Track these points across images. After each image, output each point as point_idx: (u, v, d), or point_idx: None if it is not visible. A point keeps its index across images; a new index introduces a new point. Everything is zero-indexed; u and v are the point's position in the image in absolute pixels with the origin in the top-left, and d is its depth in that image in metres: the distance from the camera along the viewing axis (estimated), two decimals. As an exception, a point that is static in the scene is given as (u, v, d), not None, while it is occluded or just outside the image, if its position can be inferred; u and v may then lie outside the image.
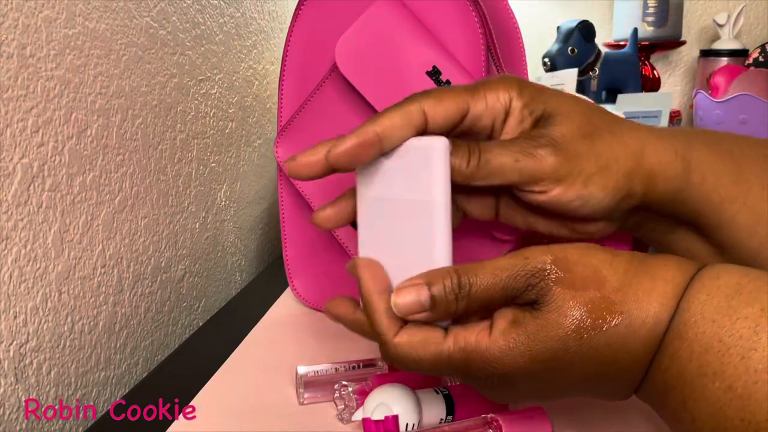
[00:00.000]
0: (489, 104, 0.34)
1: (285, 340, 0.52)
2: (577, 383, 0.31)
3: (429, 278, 0.31)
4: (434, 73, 0.46)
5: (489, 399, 0.34)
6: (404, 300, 0.31)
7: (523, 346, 0.29)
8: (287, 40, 0.53)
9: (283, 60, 0.54)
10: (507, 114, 0.34)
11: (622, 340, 0.29)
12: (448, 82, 0.46)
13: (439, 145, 0.32)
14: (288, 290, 0.61)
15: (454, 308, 0.31)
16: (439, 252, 0.32)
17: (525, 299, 0.30)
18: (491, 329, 0.30)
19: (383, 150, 0.33)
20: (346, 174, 0.51)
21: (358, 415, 0.39)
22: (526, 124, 0.34)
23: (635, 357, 0.29)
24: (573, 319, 0.29)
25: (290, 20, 0.53)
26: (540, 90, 0.35)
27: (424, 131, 0.33)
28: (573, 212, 0.35)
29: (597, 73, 1.07)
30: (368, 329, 0.33)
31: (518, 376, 0.30)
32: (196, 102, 0.64)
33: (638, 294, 0.29)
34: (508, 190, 0.35)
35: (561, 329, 0.29)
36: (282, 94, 0.55)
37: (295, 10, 0.52)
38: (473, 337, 0.30)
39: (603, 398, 0.32)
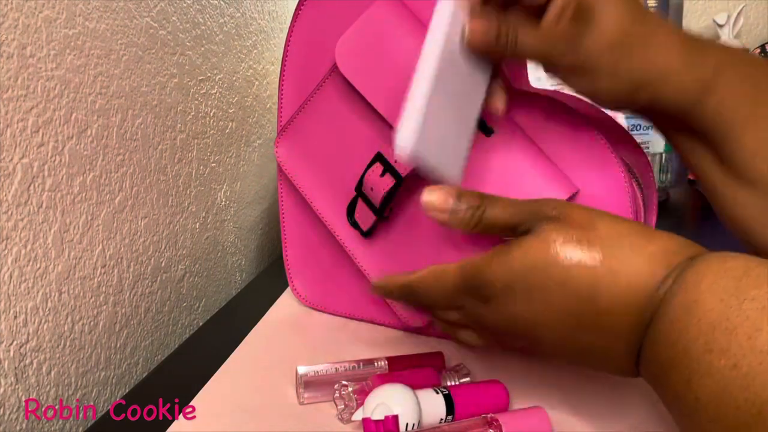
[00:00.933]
0: None
1: (285, 340, 0.52)
2: (565, 320, 0.33)
3: (459, 190, 0.36)
4: (434, 73, 0.46)
5: (490, 337, 0.38)
6: (433, 196, 0.36)
7: (505, 260, 0.34)
8: (287, 40, 0.53)
9: (283, 60, 0.54)
10: None
11: (601, 282, 0.31)
12: (448, 82, 0.46)
13: (445, 5, 0.35)
14: (288, 290, 0.61)
15: (466, 223, 0.36)
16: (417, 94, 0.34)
17: (520, 231, 0.35)
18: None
19: None
20: (344, 172, 0.51)
21: (358, 415, 0.39)
22: (568, 10, 0.36)
23: (615, 308, 0.31)
24: (552, 244, 0.32)
25: (290, 20, 0.53)
26: None
27: None
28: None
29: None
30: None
31: (507, 291, 0.34)
32: (196, 102, 0.64)
33: (624, 246, 0.31)
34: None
35: (539, 252, 0.33)
36: (282, 94, 0.55)
37: (295, 10, 0.52)
38: (469, 257, 0.36)
39: (602, 365, 0.34)
